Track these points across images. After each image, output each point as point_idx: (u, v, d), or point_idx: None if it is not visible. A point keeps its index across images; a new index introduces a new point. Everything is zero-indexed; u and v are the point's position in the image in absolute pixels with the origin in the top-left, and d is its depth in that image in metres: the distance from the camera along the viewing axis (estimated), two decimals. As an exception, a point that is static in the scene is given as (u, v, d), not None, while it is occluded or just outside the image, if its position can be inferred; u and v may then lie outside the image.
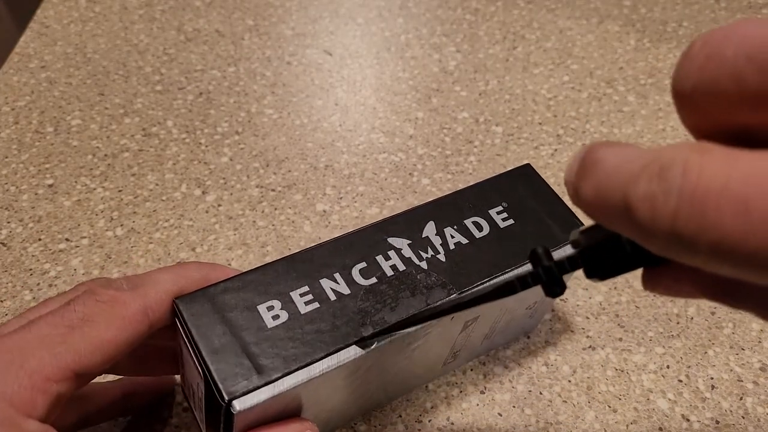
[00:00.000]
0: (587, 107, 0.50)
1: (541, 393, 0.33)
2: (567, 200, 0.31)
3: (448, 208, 0.30)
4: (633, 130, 0.48)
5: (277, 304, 0.25)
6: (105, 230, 0.40)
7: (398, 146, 0.46)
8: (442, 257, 0.28)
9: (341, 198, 0.43)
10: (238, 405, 0.22)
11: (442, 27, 0.57)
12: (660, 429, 0.32)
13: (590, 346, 0.36)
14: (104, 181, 0.43)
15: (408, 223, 0.29)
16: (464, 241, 0.28)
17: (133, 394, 0.30)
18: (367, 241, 0.28)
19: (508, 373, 0.34)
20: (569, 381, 0.34)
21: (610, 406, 0.33)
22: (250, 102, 0.49)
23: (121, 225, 0.40)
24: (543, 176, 0.44)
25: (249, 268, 0.25)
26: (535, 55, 0.55)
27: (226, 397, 0.22)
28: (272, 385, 0.23)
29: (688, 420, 0.33)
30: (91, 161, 0.44)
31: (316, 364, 0.24)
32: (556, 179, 0.44)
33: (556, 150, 0.46)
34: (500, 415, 0.32)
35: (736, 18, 0.59)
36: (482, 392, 0.33)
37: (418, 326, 0.25)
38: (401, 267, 0.27)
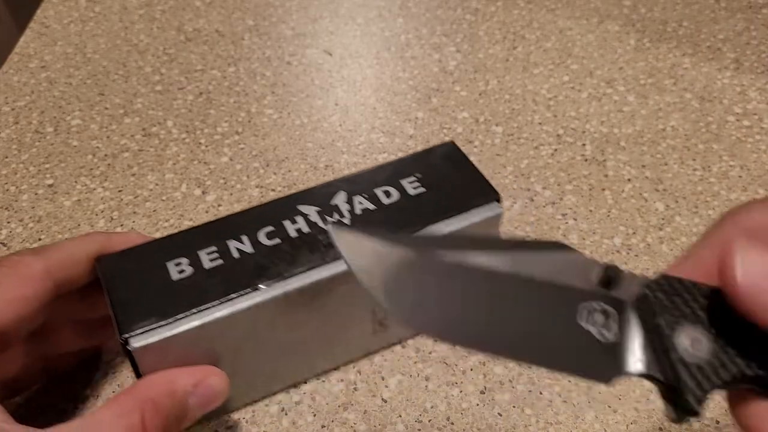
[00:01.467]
0: (587, 107, 0.50)
1: (541, 393, 0.33)
2: (492, 178, 0.31)
3: (363, 180, 0.31)
4: (633, 130, 0.48)
5: (184, 261, 0.28)
6: (105, 230, 0.40)
7: (398, 146, 0.46)
8: (346, 221, 0.29)
9: (341, 198, 0.43)
10: (134, 342, 0.25)
11: (442, 27, 0.57)
12: (660, 429, 0.32)
13: (590, 346, 0.36)
14: (104, 181, 0.43)
15: (322, 193, 0.30)
16: (371, 207, 0.30)
17: (53, 357, 0.31)
18: (280, 209, 0.30)
19: (508, 373, 0.34)
20: (569, 381, 0.34)
21: (610, 406, 0.33)
22: (250, 102, 0.49)
23: (121, 225, 0.40)
24: (542, 176, 0.44)
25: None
26: (535, 55, 0.55)
27: (125, 336, 0.25)
28: (169, 326, 0.25)
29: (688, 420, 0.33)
30: (91, 161, 0.44)
31: (211, 309, 0.26)
32: (555, 179, 0.44)
33: (556, 150, 0.46)
34: (500, 415, 0.32)
35: (736, 18, 0.59)
36: (482, 392, 0.33)
37: None
38: (306, 230, 0.29)
